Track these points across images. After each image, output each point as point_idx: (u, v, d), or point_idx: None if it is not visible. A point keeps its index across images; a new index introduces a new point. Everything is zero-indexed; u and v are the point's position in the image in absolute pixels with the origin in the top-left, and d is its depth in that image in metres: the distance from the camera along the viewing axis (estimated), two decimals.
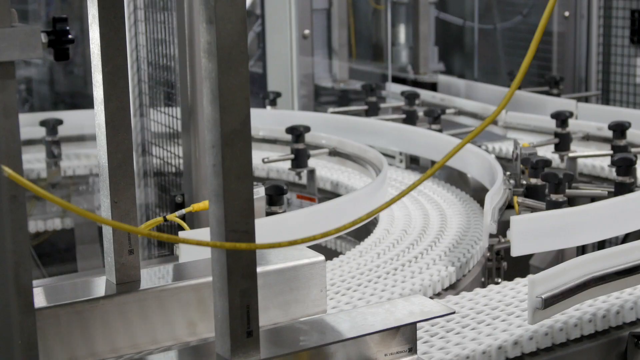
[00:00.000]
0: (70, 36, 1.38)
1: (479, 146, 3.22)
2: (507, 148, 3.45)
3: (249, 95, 1.37)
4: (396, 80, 4.80)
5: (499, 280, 2.42)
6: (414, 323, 1.60)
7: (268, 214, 2.39)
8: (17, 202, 1.22)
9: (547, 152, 3.23)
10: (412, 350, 1.60)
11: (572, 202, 2.71)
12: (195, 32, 2.61)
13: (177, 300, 1.71)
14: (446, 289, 2.16)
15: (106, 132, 1.61)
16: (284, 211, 2.45)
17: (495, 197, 2.45)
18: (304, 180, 3.18)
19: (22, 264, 1.24)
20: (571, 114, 3.32)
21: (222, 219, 1.38)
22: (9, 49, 1.17)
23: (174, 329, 1.71)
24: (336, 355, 1.54)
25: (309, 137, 3.21)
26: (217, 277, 1.43)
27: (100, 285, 1.68)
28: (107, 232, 1.66)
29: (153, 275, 1.73)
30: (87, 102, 6.07)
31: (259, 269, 1.47)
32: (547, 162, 2.70)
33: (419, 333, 1.77)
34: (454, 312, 1.66)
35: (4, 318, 1.26)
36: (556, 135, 3.26)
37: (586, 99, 4.74)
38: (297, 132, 3.13)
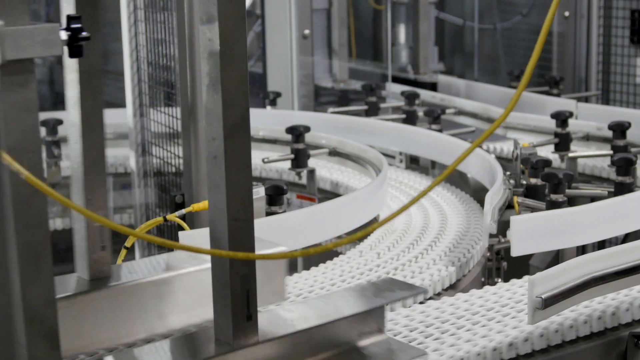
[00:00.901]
0: (84, 34, 1.42)
1: (479, 146, 3.22)
2: (507, 148, 3.45)
3: (248, 89, 1.43)
4: (396, 80, 4.80)
5: (499, 280, 2.42)
6: (386, 304, 1.68)
7: (268, 214, 2.39)
8: (40, 195, 1.25)
9: (547, 152, 3.23)
10: (381, 330, 1.69)
11: (572, 202, 2.71)
12: (195, 32, 2.61)
13: (147, 294, 1.73)
14: (446, 289, 2.16)
15: (81, 130, 1.63)
16: (284, 211, 2.45)
17: (495, 197, 2.45)
18: (304, 180, 3.18)
19: (44, 256, 1.27)
20: (571, 114, 3.32)
21: (224, 208, 1.44)
22: (31, 46, 1.21)
23: (144, 322, 1.74)
24: (317, 336, 1.61)
25: (309, 137, 3.21)
26: (218, 264, 1.48)
27: (72, 282, 1.70)
28: (80, 228, 1.67)
29: (124, 271, 1.77)
30: None
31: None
32: (547, 162, 2.70)
33: (414, 334, 1.78)
34: (425, 291, 1.75)
35: (25, 310, 1.28)
36: (556, 135, 3.26)
37: (586, 99, 4.74)
38: (297, 132, 3.13)
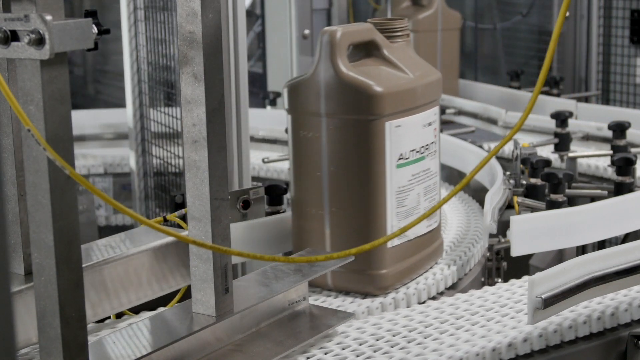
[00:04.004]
0: (104, 27, 1.53)
1: (480, 146, 3.22)
2: (507, 148, 3.44)
3: (223, 77, 1.56)
4: None
5: (499, 280, 2.42)
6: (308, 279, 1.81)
7: (268, 214, 2.39)
8: (71, 181, 1.32)
9: (547, 152, 3.23)
10: (306, 298, 1.83)
11: (572, 202, 2.71)
12: None
13: (106, 274, 1.78)
14: (446, 289, 2.16)
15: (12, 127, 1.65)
16: (284, 211, 2.45)
17: (495, 197, 2.44)
18: None
19: (74, 241, 1.34)
20: (571, 114, 3.32)
21: (206, 189, 1.54)
22: (71, 39, 1.28)
23: (108, 301, 1.78)
24: (266, 305, 1.73)
25: None
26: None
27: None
28: (14, 225, 1.66)
29: None
30: (87, 102, 6.07)
31: None
32: (547, 162, 2.70)
33: (412, 334, 1.78)
34: (353, 258, 1.83)
35: (59, 293, 1.34)
36: (556, 135, 3.26)
37: (586, 99, 4.74)
38: None
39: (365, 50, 2.01)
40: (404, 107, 1.97)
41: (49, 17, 1.25)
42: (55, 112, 1.30)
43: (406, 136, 1.98)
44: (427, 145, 2.05)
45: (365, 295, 2.00)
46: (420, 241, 2.09)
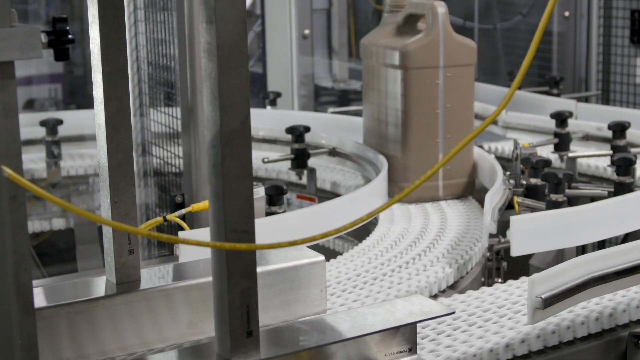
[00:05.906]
0: (70, 36, 1.40)
1: (480, 146, 3.22)
2: (507, 148, 3.44)
3: (249, 95, 1.37)
4: None
5: (498, 280, 2.42)
6: (414, 323, 1.60)
7: (268, 214, 2.39)
8: (17, 202, 1.23)
9: (547, 152, 3.23)
10: (412, 350, 1.62)
11: (572, 202, 2.71)
12: (195, 32, 2.61)
13: (177, 300, 1.70)
14: (446, 290, 2.16)
15: (106, 132, 1.61)
16: (284, 211, 2.45)
17: (495, 197, 2.45)
18: (304, 180, 3.18)
19: (22, 264, 1.25)
20: (571, 114, 3.32)
21: (222, 219, 1.38)
22: (9, 49, 1.18)
23: (174, 328, 1.71)
24: (336, 355, 1.54)
25: (309, 137, 3.20)
26: (216, 277, 1.43)
27: (100, 285, 1.68)
28: (107, 232, 1.66)
29: (153, 275, 1.73)
30: (87, 102, 6.07)
31: (258, 269, 1.47)
32: (547, 162, 2.69)
33: None
34: (453, 312, 1.68)
35: (3, 318, 1.27)
36: (556, 135, 3.26)
37: (586, 99, 4.74)
38: (297, 132, 3.13)
39: (418, 19, 2.82)
40: None
41: None
42: None
43: None
44: None
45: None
46: None
